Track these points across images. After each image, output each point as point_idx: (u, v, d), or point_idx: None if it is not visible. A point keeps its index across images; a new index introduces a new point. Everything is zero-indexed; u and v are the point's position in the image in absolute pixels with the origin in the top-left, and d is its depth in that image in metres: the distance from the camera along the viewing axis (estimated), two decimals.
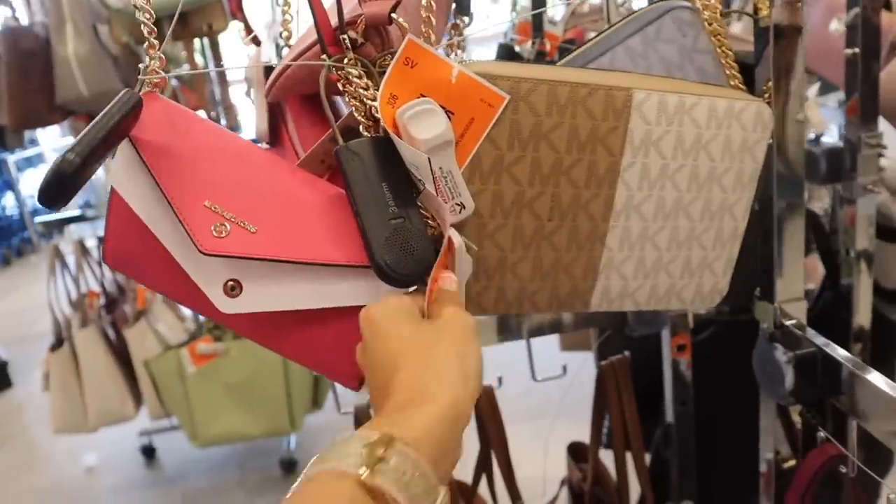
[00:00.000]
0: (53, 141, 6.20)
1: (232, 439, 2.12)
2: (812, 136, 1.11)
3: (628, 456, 1.11)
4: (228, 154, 0.55)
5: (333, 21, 0.52)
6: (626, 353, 1.08)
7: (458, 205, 0.52)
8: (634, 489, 1.12)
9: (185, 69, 2.11)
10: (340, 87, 0.53)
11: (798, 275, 0.77)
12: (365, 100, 0.52)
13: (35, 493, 2.45)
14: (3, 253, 5.67)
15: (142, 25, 0.53)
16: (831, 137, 1.34)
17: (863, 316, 1.00)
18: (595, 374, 1.11)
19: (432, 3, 0.54)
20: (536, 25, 1.19)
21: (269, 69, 0.67)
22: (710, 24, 0.64)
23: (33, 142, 4.66)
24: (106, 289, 2.27)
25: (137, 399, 2.20)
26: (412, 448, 0.37)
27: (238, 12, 1.99)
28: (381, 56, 0.53)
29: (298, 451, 2.38)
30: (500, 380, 1.12)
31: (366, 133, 0.53)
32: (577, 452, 1.20)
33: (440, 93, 0.51)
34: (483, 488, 1.15)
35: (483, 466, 1.13)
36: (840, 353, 0.70)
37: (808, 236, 1.23)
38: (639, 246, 0.60)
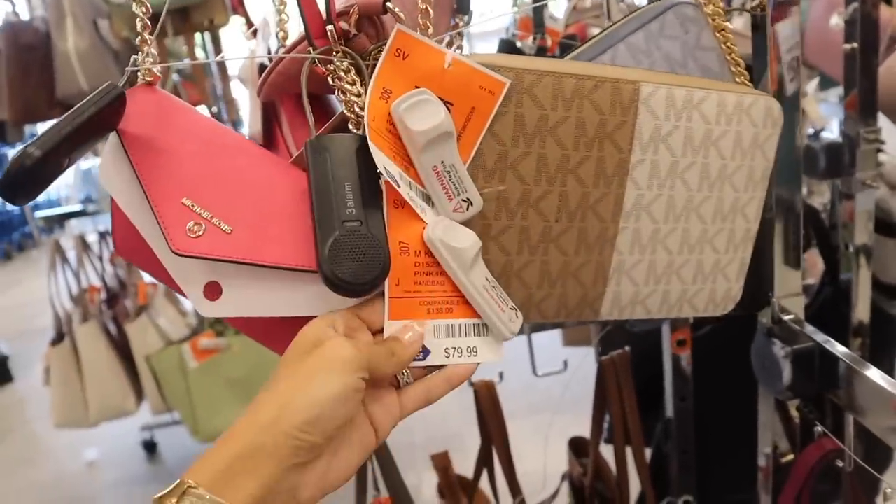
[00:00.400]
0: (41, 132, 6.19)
1: None
2: (811, 131, 1.11)
3: (629, 451, 1.11)
4: (217, 149, 0.53)
5: (323, 10, 0.50)
6: (627, 348, 1.09)
7: (465, 201, 0.50)
8: (635, 484, 1.13)
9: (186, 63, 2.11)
10: (330, 82, 0.51)
11: (796, 271, 0.77)
12: (350, 95, 0.50)
13: (36, 488, 2.45)
14: (4, 248, 5.67)
15: (137, 19, 0.51)
16: (832, 133, 1.35)
17: (862, 311, 1.01)
18: (596, 369, 1.11)
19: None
20: (537, 21, 1.19)
21: (262, 69, 0.66)
22: (713, 20, 0.64)
23: (34, 136, 4.65)
24: (107, 284, 2.27)
25: (139, 394, 2.21)
26: (209, 490, 0.37)
27: (239, 7, 1.99)
28: (374, 48, 0.51)
29: None
30: (500, 375, 1.12)
31: (354, 130, 0.51)
32: (577, 447, 1.20)
33: (436, 83, 0.49)
34: (484, 483, 1.16)
35: (484, 461, 1.14)
36: (837, 348, 0.70)
37: (807, 231, 1.24)
38: (650, 249, 0.58)
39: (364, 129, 0.49)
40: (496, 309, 0.51)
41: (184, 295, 0.54)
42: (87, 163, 3.79)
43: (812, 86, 1.23)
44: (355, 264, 0.46)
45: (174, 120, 0.53)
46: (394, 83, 0.49)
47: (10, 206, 5.86)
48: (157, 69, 0.52)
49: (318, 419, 0.41)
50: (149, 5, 0.51)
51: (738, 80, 0.64)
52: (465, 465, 1.17)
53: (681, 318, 1.04)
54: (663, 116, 0.55)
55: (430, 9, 0.52)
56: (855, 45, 0.93)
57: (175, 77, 2.06)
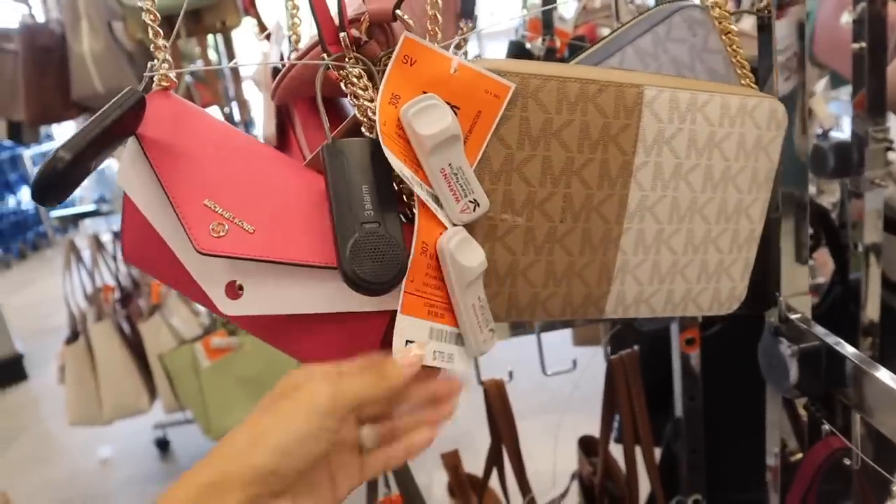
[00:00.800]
0: (68, 136, 6.25)
1: None
2: (820, 130, 1.11)
3: (638, 450, 1.12)
4: (233, 152, 0.54)
5: (336, 19, 0.51)
6: (636, 347, 1.09)
7: (472, 202, 0.51)
8: (644, 483, 1.13)
9: (199, 65, 2.13)
10: (343, 88, 0.52)
11: (803, 268, 0.78)
12: (363, 100, 0.52)
13: (50, 485, 2.48)
14: (18, 247, 5.73)
15: (148, 27, 0.53)
16: (843, 131, 1.34)
17: (872, 310, 1.01)
18: (605, 368, 1.12)
19: (438, 1, 0.53)
20: (546, 22, 1.20)
21: (276, 73, 0.67)
22: (720, 23, 0.64)
23: (49, 136, 4.69)
24: (121, 283, 2.30)
25: (152, 392, 2.23)
26: None
27: (251, 9, 2.00)
28: (385, 54, 0.52)
29: None
30: (510, 374, 1.13)
31: (367, 134, 0.52)
32: (587, 446, 1.21)
33: (443, 88, 0.50)
34: (494, 481, 1.16)
35: (494, 460, 1.15)
36: (844, 347, 0.71)
37: (817, 231, 1.24)
38: (654, 249, 0.59)
39: (377, 134, 0.50)
40: (476, 329, 0.53)
41: (196, 300, 0.56)
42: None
43: (820, 85, 1.23)
44: (375, 264, 0.48)
45: (190, 124, 0.54)
46: (402, 89, 0.51)
47: (24, 206, 5.93)
48: (173, 75, 0.54)
49: (288, 454, 0.43)
50: (157, 14, 0.52)
51: (743, 82, 0.64)
52: (474, 464, 1.18)
53: (689, 318, 1.04)
54: (667, 119, 0.55)
55: (438, 15, 0.53)
56: (863, 44, 0.93)
57: (188, 79, 2.08)
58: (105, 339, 2.18)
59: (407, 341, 0.50)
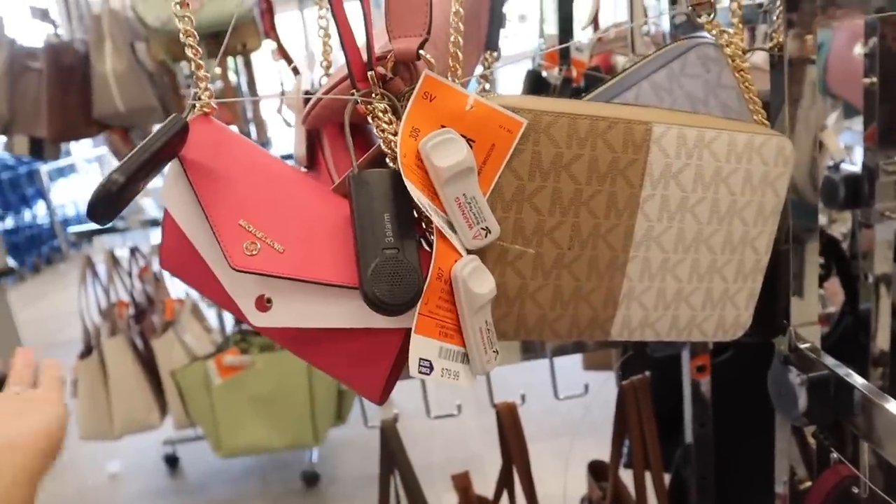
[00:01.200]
0: (85, 152, 6.34)
1: (255, 451, 2.16)
2: (831, 162, 1.12)
3: (648, 476, 1.12)
4: (266, 176, 0.58)
5: (364, 57, 0.55)
6: (647, 373, 1.10)
7: (484, 229, 0.54)
8: None
9: (218, 85, 2.17)
10: (370, 121, 0.56)
11: (813, 299, 0.79)
12: (387, 133, 0.55)
13: (59, 499, 2.49)
14: (33, 261, 5.79)
15: (190, 59, 0.57)
16: (856, 162, 1.35)
17: (882, 340, 1.01)
18: (616, 393, 1.12)
19: (459, 38, 0.56)
20: (563, 52, 1.22)
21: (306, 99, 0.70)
22: (733, 61, 0.66)
23: (66, 152, 4.77)
24: (135, 299, 2.33)
25: (163, 408, 2.25)
26: None
27: (271, 31, 2.04)
28: (408, 90, 0.55)
29: (321, 464, 2.41)
30: (523, 397, 1.14)
31: (390, 164, 0.55)
32: (597, 471, 1.21)
33: (459, 122, 0.53)
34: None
35: (505, 482, 1.15)
36: (853, 377, 0.71)
37: (828, 261, 1.24)
38: (659, 277, 0.61)
39: (398, 165, 0.53)
40: (481, 349, 0.55)
41: (227, 308, 0.60)
42: None
43: (832, 119, 1.24)
44: (394, 287, 0.52)
45: (229, 148, 0.58)
46: (422, 123, 0.54)
47: (39, 220, 6.00)
48: (214, 102, 0.58)
49: None
50: (198, 48, 0.56)
51: (755, 117, 0.66)
52: (485, 487, 1.18)
53: (700, 345, 1.05)
54: (674, 155, 0.57)
55: (459, 53, 0.55)
56: (874, 78, 0.95)
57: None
58: (118, 355, 2.20)
59: (420, 359, 0.53)
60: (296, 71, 0.84)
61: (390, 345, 0.57)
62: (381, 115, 0.55)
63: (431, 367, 0.54)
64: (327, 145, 0.67)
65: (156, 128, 0.59)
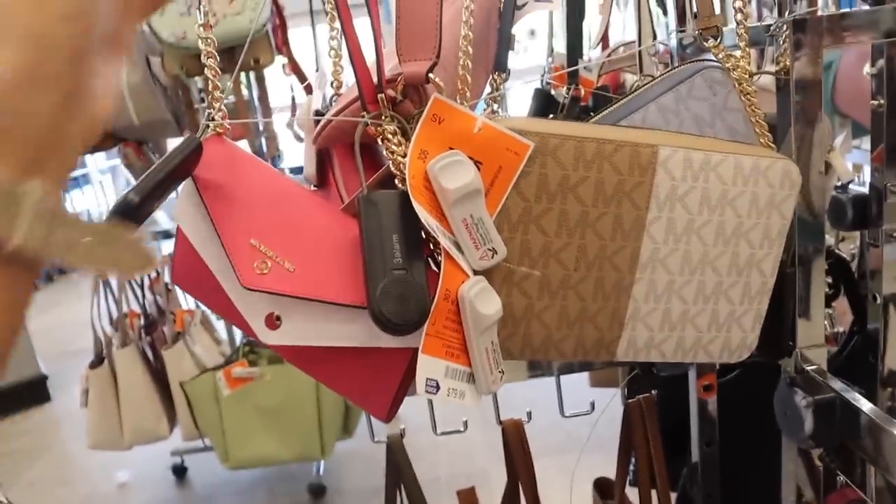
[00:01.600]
0: (100, 163, 6.40)
1: (262, 463, 2.16)
2: (839, 183, 1.13)
3: (654, 494, 1.12)
4: (277, 195, 0.59)
5: (375, 80, 0.56)
6: (653, 392, 1.10)
7: (490, 250, 0.55)
8: None
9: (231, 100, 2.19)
10: (379, 142, 0.57)
11: (819, 321, 0.79)
12: (397, 155, 0.56)
13: None
14: (46, 270, 5.83)
15: (207, 79, 0.58)
16: (864, 181, 1.35)
17: (891, 360, 1.01)
18: (622, 411, 1.12)
19: (468, 62, 0.57)
20: (571, 71, 1.22)
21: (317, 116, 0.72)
22: (739, 84, 0.67)
23: (81, 163, 4.82)
24: (146, 310, 2.34)
25: (172, 419, 2.26)
26: None
27: (283, 47, 2.06)
28: (418, 112, 0.56)
29: (327, 476, 2.41)
30: (529, 414, 1.14)
31: (399, 185, 0.56)
32: (603, 489, 1.21)
33: (467, 145, 0.54)
34: None
35: (510, 499, 1.15)
36: (860, 401, 0.71)
37: (836, 280, 1.24)
38: (665, 298, 0.62)
39: (407, 186, 0.54)
40: (487, 370, 0.56)
41: (237, 325, 0.60)
42: None
43: (839, 140, 1.24)
44: (401, 307, 0.53)
45: (241, 168, 0.60)
46: (430, 145, 0.55)
47: None
48: (227, 123, 0.60)
49: None
50: (218, 69, 0.57)
51: (762, 140, 0.67)
52: (490, 503, 1.18)
53: (707, 364, 1.05)
54: (680, 177, 0.58)
55: (468, 76, 0.56)
56: (882, 100, 0.95)
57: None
58: (129, 365, 2.21)
59: (427, 378, 0.54)
60: (308, 89, 0.86)
61: (397, 364, 0.58)
62: (390, 136, 0.56)
63: (438, 387, 0.55)
64: (337, 165, 0.68)
65: (169, 141, 0.60)
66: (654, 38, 1.18)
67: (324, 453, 2.12)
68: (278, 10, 2.03)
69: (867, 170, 1.30)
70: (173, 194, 0.61)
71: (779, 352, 0.80)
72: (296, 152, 2.60)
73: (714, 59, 0.69)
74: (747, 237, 0.62)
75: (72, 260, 0.30)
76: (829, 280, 1.24)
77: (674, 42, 0.96)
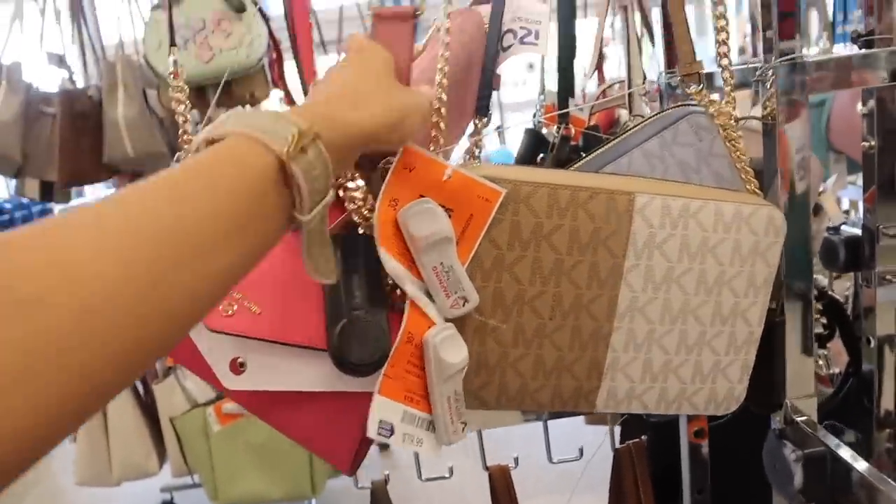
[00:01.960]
0: (100, 193, 6.42)
1: (252, 500, 2.12)
2: (831, 224, 1.12)
3: None
4: None
5: None
6: (643, 437, 1.07)
7: (461, 298, 0.54)
8: None
9: None
10: (340, 194, 0.56)
11: (809, 371, 0.77)
12: (357, 202, 0.55)
13: None
14: None
15: (181, 120, 0.57)
16: (860, 217, 1.33)
17: (887, 401, 0.99)
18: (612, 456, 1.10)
19: (443, 109, 0.56)
20: (561, 109, 1.22)
21: None
22: (724, 130, 0.66)
23: (79, 193, 4.82)
24: None
25: (161, 455, 2.22)
26: (328, 147, 0.40)
27: (279, 81, 2.07)
28: (384, 161, 0.55)
29: None
30: (516, 460, 1.11)
31: (361, 230, 0.56)
32: None
33: (439, 193, 0.53)
34: None
35: None
36: (855, 459, 0.69)
37: (830, 322, 1.22)
38: (645, 348, 0.60)
39: (372, 231, 0.54)
40: (447, 419, 0.54)
41: (198, 373, 0.59)
42: None
43: (830, 181, 1.23)
44: (360, 348, 0.53)
45: None
46: (401, 193, 0.54)
47: None
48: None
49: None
50: (187, 116, 0.57)
51: (748, 186, 0.65)
52: None
53: None
54: (658, 225, 0.57)
55: (441, 122, 0.55)
56: (873, 142, 0.94)
57: None
58: (119, 400, 2.18)
59: (381, 421, 0.53)
60: None
61: (359, 410, 0.56)
62: (350, 185, 0.55)
63: (392, 431, 0.54)
64: None
65: None
66: (644, 77, 1.18)
67: (314, 491, 2.08)
68: (275, 44, 2.04)
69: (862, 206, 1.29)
70: None
71: (770, 404, 0.77)
72: None
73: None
74: (731, 285, 0.60)
75: (308, 244, 0.42)
76: (824, 321, 1.22)
77: (663, 82, 0.95)
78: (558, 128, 1.21)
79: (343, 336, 0.53)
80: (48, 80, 2.35)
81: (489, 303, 0.55)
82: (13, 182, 2.36)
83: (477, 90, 0.65)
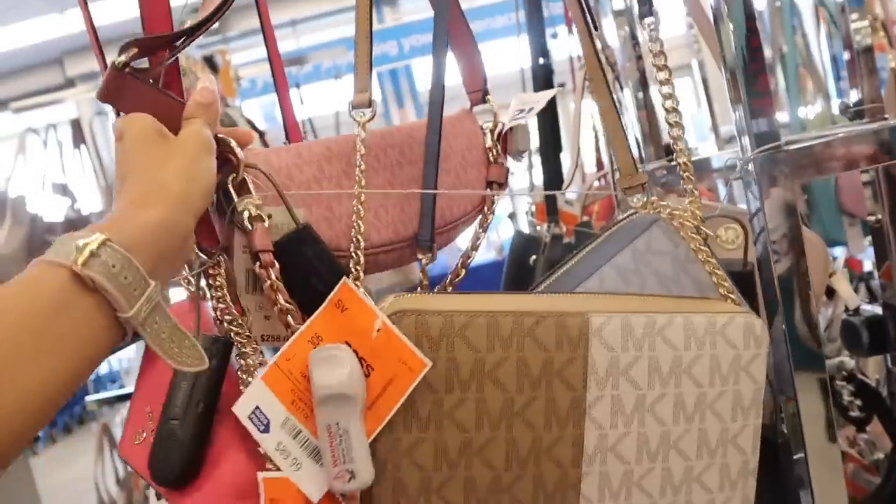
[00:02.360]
0: None
1: None
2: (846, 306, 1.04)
3: None
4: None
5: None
6: None
7: (349, 471, 0.46)
8: None
9: None
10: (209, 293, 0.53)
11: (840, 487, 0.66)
12: (221, 311, 0.52)
13: None
14: (64, 420, 5.74)
15: None
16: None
17: None
18: None
19: (359, 238, 0.51)
20: (550, 209, 1.16)
21: None
22: (688, 240, 0.59)
23: None
24: None
25: None
26: (122, 246, 0.40)
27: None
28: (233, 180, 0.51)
29: None
30: None
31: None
32: None
33: (366, 344, 0.47)
34: None
35: None
36: None
37: (866, 404, 1.12)
38: (623, 493, 0.51)
39: (229, 335, 0.52)
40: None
41: None
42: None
43: (840, 263, 1.15)
44: (161, 464, 0.50)
45: None
46: (326, 331, 0.48)
47: None
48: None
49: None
50: None
51: (720, 290, 0.58)
52: None
53: None
54: (620, 347, 0.49)
55: (360, 254, 0.51)
56: (879, 216, 0.86)
57: None
58: None
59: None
60: None
61: None
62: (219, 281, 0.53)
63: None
64: None
65: None
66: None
67: None
68: None
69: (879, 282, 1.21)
70: None
71: None
72: None
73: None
74: (714, 409, 0.51)
75: (152, 338, 0.42)
76: (859, 402, 1.13)
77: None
78: (548, 226, 1.15)
79: (156, 447, 0.50)
80: (54, 210, 2.37)
81: (430, 457, 0.47)
82: None
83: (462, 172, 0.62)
